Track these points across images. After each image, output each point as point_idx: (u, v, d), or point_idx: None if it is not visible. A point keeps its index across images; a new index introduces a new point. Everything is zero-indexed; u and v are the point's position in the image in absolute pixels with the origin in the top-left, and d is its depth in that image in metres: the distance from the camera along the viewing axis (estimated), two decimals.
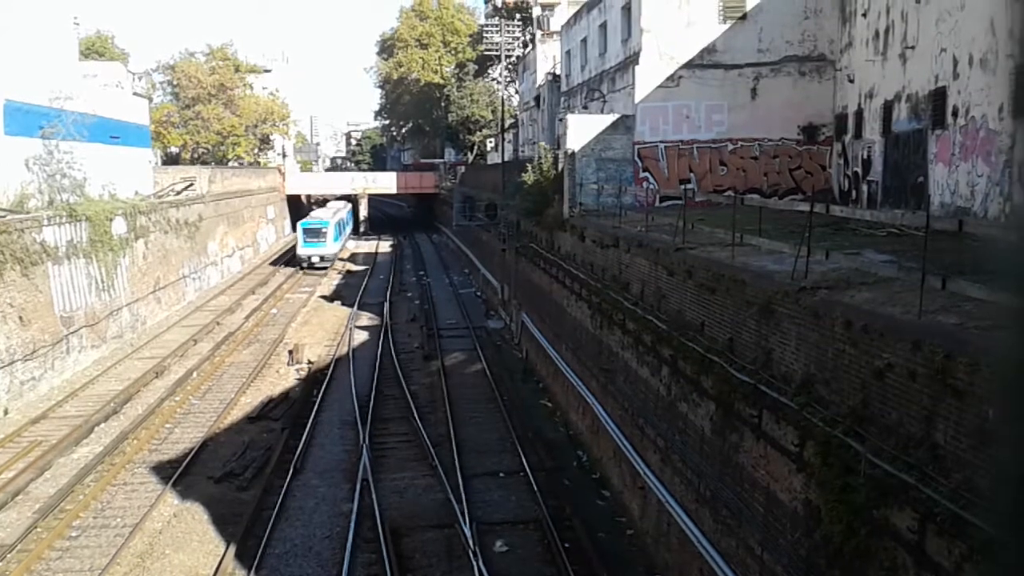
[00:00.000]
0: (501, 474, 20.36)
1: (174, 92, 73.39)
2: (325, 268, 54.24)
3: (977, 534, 6.69)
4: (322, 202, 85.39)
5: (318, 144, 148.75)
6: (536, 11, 57.69)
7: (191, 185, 47.61)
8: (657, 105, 25.34)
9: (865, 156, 22.20)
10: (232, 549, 16.24)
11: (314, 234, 56.09)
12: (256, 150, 77.43)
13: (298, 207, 79.72)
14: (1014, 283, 1.76)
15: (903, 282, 9.57)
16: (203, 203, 48.46)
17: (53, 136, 30.99)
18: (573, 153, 25.09)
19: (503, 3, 67.09)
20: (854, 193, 23.06)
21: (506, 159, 52.21)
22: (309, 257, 54.89)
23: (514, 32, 58.71)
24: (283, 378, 29.08)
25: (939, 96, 17.63)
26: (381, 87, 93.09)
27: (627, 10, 27.44)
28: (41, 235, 27.90)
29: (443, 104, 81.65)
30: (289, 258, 58.97)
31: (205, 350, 32.46)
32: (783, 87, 25.14)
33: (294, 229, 70.09)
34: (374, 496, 18.54)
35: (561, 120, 31.56)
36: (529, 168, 30.80)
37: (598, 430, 20.22)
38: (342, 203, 74.65)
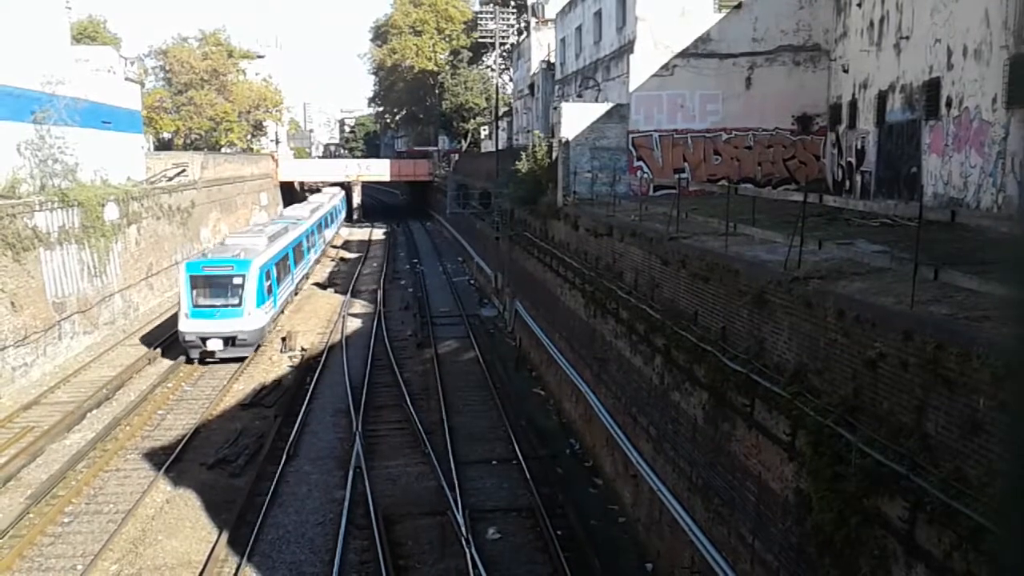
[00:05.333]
0: (494, 462, 20.42)
1: (166, 77, 73.00)
2: (243, 358, 28.86)
3: (967, 523, 6.75)
4: (315, 189, 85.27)
5: (311, 131, 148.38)
6: None
7: (183, 171, 47.41)
8: (652, 94, 25.30)
9: (859, 146, 22.22)
10: (225, 535, 16.28)
11: (215, 288, 29.31)
12: (249, 136, 77.15)
13: (291, 194, 79.54)
14: (1014, 275, 1.77)
15: (896, 272, 9.60)
16: (195, 189, 48.29)
17: (45, 121, 30.84)
18: (567, 141, 25.05)
19: None
20: (847, 183, 23.08)
21: (500, 147, 52.18)
22: (203, 340, 28.22)
23: (509, 19, 58.47)
24: (276, 365, 29.06)
25: (933, 87, 17.64)
26: (375, 74, 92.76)
27: None
28: (33, 220, 27.79)
29: (437, 91, 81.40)
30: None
31: None
32: (777, 77, 25.12)
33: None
34: (367, 483, 18.58)
35: (555, 108, 31.49)
36: (523, 156, 30.74)
37: (591, 418, 20.27)
38: (334, 190, 74.09)
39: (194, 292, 28.87)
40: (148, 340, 31.63)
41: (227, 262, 29.98)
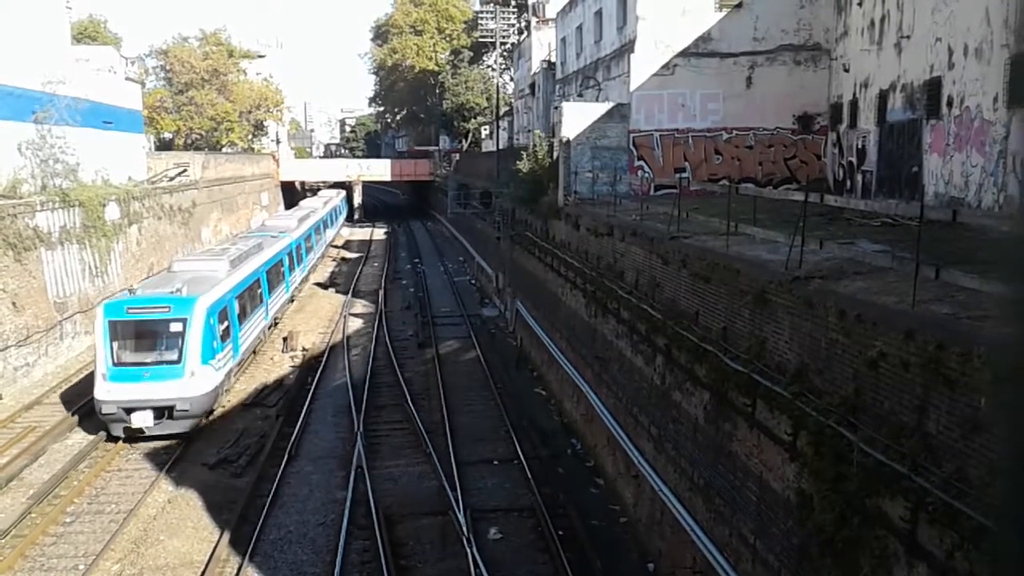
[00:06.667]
0: (495, 462, 20.42)
1: (167, 77, 72.95)
2: (186, 434, 21.35)
3: (968, 523, 6.75)
4: (315, 189, 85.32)
5: (312, 131, 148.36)
6: None
7: (184, 171, 47.46)
8: (652, 93, 25.30)
9: (860, 146, 22.21)
10: (226, 535, 16.30)
11: (144, 338, 21.92)
12: (250, 136, 77.11)
13: (292, 193, 79.56)
14: (1015, 275, 1.78)
15: (897, 272, 9.60)
16: (196, 189, 48.32)
17: (46, 121, 30.87)
18: (568, 141, 25.05)
19: None
20: (849, 183, 23.07)
21: (501, 147, 52.15)
22: (127, 412, 20.64)
23: (509, 19, 58.43)
24: (277, 365, 29.07)
25: (934, 86, 17.63)
26: (375, 73, 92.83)
27: None
28: (34, 220, 27.82)
29: (438, 91, 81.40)
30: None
31: None
32: (778, 76, 25.11)
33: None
34: (368, 483, 18.58)
35: (556, 108, 31.48)
36: (524, 156, 30.75)
37: (592, 418, 20.27)
38: (332, 192, 73.86)
39: (115, 345, 21.23)
40: None
41: (162, 301, 22.04)
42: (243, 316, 26.36)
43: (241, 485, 18.91)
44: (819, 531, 9.14)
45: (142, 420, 20.55)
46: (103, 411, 20.77)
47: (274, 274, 32.84)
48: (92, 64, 41.94)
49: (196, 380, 21.40)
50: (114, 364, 21.02)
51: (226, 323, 24.01)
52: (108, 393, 20.65)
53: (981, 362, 6.85)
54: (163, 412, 20.83)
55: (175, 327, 21.57)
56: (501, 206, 36.46)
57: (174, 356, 21.44)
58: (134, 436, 20.98)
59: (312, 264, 46.16)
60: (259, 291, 29.65)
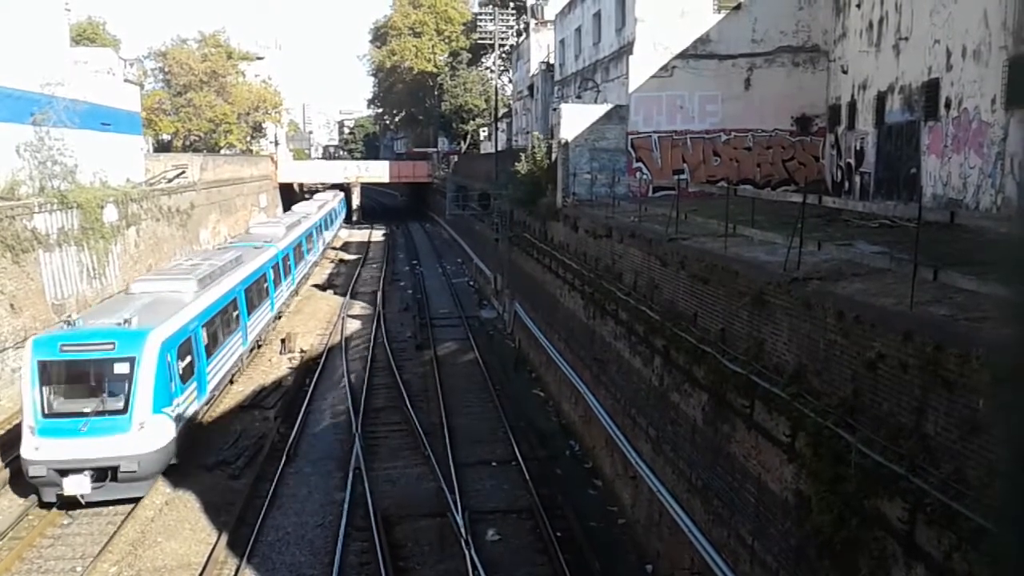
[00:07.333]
0: (493, 463, 20.41)
1: (166, 79, 72.88)
2: (137, 499, 17.58)
3: (967, 524, 6.74)
4: (314, 190, 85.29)
5: (310, 132, 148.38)
6: None
7: (183, 173, 47.38)
8: (651, 95, 25.30)
9: (858, 147, 22.22)
10: (224, 537, 16.29)
11: (83, 383, 18.20)
12: (248, 138, 77.03)
13: (291, 195, 79.54)
14: (1013, 276, 1.77)
15: (895, 273, 9.60)
16: (195, 191, 48.26)
17: (44, 123, 30.82)
18: (567, 143, 25.05)
19: None
20: (847, 184, 23.08)
21: (499, 148, 52.17)
22: (60, 474, 16.94)
23: (508, 21, 58.48)
24: (275, 367, 29.04)
25: (932, 88, 17.63)
26: (374, 75, 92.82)
27: None
28: (32, 222, 27.78)
29: (436, 93, 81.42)
30: None
31: None
32: (777, 78, 25.13)
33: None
34: (367, 485, 18.57)
35: (555, 110, 31.50)
36: (523, 158, 30.74)
37: (590, 420, 20.26)
38: (329, 195, 73.61)
39: (46, 391, 17.54)
40: None
41: (105, 336, 18.16)
42: (213, 346, 22.82)
43: (239, 487, 18.89)
44: (817, 532, 9.13)
45: (77, 486, 16.92)
46: (30, 473, 17.06)
47: (255, 291, 29.21)
48: (91, 66, 41.84)
49: (146, 434, 17.70)
50: (44, 415, 17.33)
51: (189, 358, 20.35)
52: (36, 451, 16.95)
53: (979, 363, 6.85)
54: (105, 473, 17.33)
55: (120, 368, 17.81)
56: (499, 208, 36.45)
57: (119, 404, 17.73)
58: (71, 503, 17.32)
59: (304, 274, 43.12)
60: (236, 313, 26.01)
